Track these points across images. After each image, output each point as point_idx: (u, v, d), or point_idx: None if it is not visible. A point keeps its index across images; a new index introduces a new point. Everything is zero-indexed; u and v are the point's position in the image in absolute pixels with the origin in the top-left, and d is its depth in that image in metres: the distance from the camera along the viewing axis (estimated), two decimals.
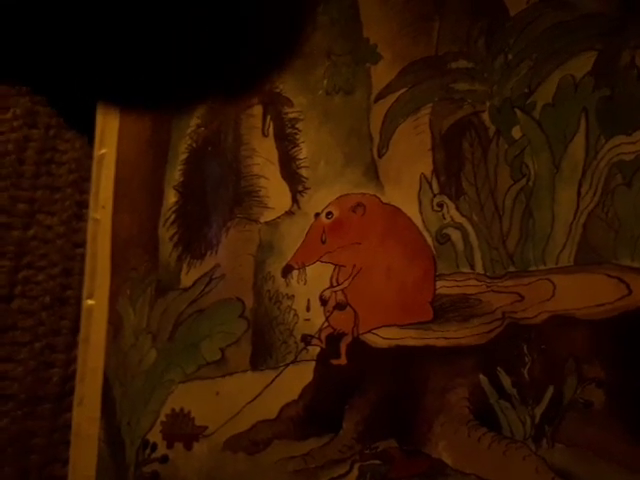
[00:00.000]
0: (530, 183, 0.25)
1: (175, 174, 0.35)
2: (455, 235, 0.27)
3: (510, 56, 0.27)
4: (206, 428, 0.30)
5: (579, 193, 0.24)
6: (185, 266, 0.33)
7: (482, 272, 0.25)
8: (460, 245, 0.26)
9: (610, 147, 0.24)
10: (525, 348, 0.24)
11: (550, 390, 0.23)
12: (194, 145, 0.34)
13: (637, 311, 0.22)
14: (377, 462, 0.26)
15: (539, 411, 0.23)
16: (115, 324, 0.36)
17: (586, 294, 0.23)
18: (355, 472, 0.26)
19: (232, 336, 0.31)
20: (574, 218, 0.24)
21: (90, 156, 0.41)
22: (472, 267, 0.26)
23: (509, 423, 0.24)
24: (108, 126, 0.40)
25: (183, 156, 0.35)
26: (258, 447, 0.28)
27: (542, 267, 0.24)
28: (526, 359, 0.24)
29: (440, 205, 0.27)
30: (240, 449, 0.29)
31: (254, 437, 0.29)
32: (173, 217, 0.35)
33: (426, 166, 0.28)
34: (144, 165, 0.37)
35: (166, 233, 0.34)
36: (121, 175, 0.38)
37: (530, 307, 0.24)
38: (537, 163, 0.25)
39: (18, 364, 0.38)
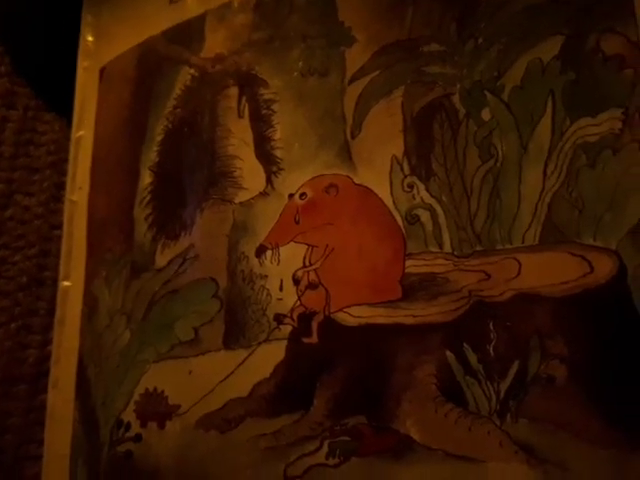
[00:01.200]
0: (498, 164, 0.25)
1: (151, 155, 0.34)
2: (424, 215, 0.26)
3: (480, 40, 0.27)
4: (179, 407, 0.30)
5: (545, 174, 0.24)
6: (160, 246, 0.33)
7: (450, 251, 0.25)
8: (429, 225, 0.26)
9: (575, 129, 0.24)
10: (491, 325, 0.24)
11: (515, 366, 0.23)
12: (170, 126, 0.34)
13: (598, 288, 0.22)
14: (346, 438, 0.25)
15: (504, 387, 0.23)
16: (90, 305, 0.35)
17: (550, 272, 0.23)
18: (325, 449, 0.26)
19: (206, 316, 0.30)
20: (540, 198, 0.24)
21: (69, 138, 0.41)
22: (440, 247, 0.26)
23: (475, 399, 0.24)
24: (86, 108, 0.39)
25: (159, 137, 0.34)
26: (230, 425, 0.28)
27: (508, 246, 0.24)
28: (492, 336, 0.24)
29: (410, 186, 0.27)
30: (212, 427, 0.28)
31: (226, 415, 0.28)
32: (148, 198, 0.34)
33: (397, 148, 0.27)
34: (121, 146, 0.36)
35: (141, 214, 0.34)
36: (98, 156, 0.37)
37: (496, 285, 0.24)
38: (505, 144, 0.25)
39: None
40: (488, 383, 0.23)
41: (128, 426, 0.32)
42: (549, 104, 0.25)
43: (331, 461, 0.26)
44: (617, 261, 0.22)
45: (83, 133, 0.39)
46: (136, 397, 0.31)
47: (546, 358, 0.23)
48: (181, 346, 0.31)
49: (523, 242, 0.24)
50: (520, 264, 0.24)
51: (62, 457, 0.33)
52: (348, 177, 0.28)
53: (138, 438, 0.31)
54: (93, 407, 0.33)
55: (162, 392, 0.31)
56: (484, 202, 0.25)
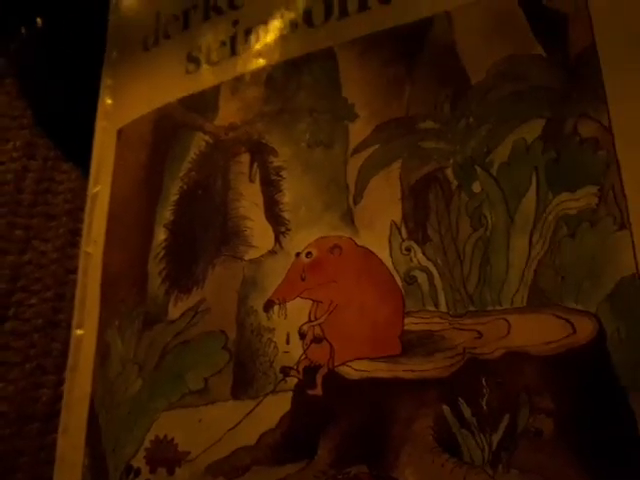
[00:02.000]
0: (488, 232, 0.28)
1: (166, 214, 0.36)
2: (421, 277, 0.28)
3: (471, 119, 0.29)
4: (188, 453, 0.31)
5: (530, 242, 0.27)
6: (172, 299, 0.34)
7: (445, 311, 0.27)
8: (426, 286, 0.28)
9: (557, 203, 0.27)
10: (483, 381, 0.25)
11: (505, 419, 0.25)
12: (185, 187, 0.36)
13: (580, 348, 0.24)
14: None
15: (496, 439, 0.25)
16: (103, 353, 0.36)
17: (537, 332, 0.25)
18: None
19: (215, 366, 0.32)
20: (526, 264, 0.26)
21: (84, 187, 0.42)
22: (436, 306, 0.28)
23: (469, 450, 0.25)
24: (103, 165, 0.41)
25: (174, 197, 0.36)
26: (238, 472, 0.29)
27: (498, 307, 0.26)
28: (484, 391, 0.25)
29: (408, 249, 0.29)
30: (220, 474, 0.29)
31: (234, 463, 0.30)
32: (162, 253, 0.36)
33: (396, 214, 0.30)
34: (136, 204, 0.38)
35: (155, 268, 0.36)
36: (113, 212, 0.39)
37: (488, 343, 0.26)
38: (494, 215, 0.28)
39: (9, 383, 0.39)
40: (481, 435, 0.25)
41: (138, 472, 0.32)
42: (533, 179, 0.27)
43: None
44: (596, 324, 0.24)
45: (100, 189, 0.40)
46: (146, 444, 0.32)
47: (534, 412, 0.24)
48: (191, 395, 0.32)
49: (512, 304, 0.26)
50: (509, 324, 0.26)
51: None
52: (351, 239, 0.30)
53: None
54: (103, 453, 0.34)
55: (172, 439, 0.32)
56: (476, 266, 0.27)
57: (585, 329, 0.25)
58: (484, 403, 0.25)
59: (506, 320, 0.26)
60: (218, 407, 0.31)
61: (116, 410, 0.34)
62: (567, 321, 0.25)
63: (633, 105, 0.26)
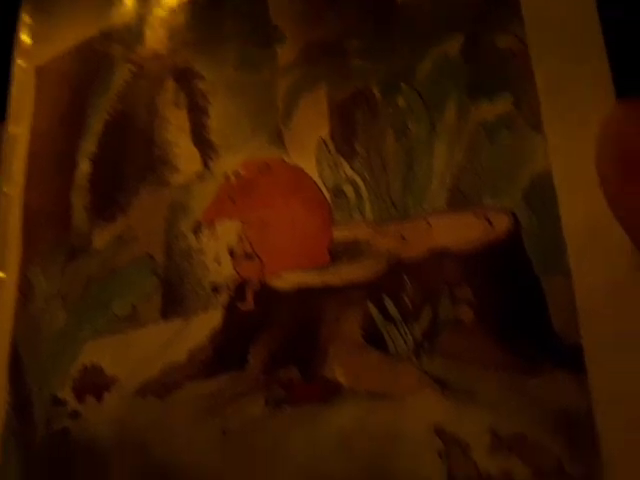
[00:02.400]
0: (411, 143, 0.29)
1: (89, 146, 0.35)
2: (348, 189, 0.29)
3: (395, 37, 0.30)
4: (117, 378, 0.30)
5: (452, 148, 0.28)
6: (97, 230, 0.33)
7: (371, 219, 0.28)
8: (353, 197, 0.29)
9: (476, 111, 0.28)
10: (407, 279, 0.26)
11: (428, 312, 0.26)
12: (109, 119, 0.35)
13: (498, 242, 0.26)
14: (280, 390, 0.27)
15: (419, 330, 0.26)
16: (25, 293, 0.35)
17: (458, 231, 0.26)
18: (260, 401, 0.27)
19: (143, 291, 0.31)
20: (447, 170, 0.28)
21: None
22: (363, 215, 0.28)
23: (395, 343, 0.26)
24: (22, 105, 0.39)
25: (98, 129, 0.35)
26: (168, 390, 0.29)
27: (420, 211, 0.28)
28: (408, 288, 0.26)
29: (336, 164, 0.30)
30: (151, 394, 0.29)
31: (164, 381, 0.29)
32: (86, 185, 0.35)
33: (324, 131, 0.30)
34: (59, 140, 0.37)
35: (79, 200, 0.34)
36: (34, 151, 0.38)
37: (411, 246, 0.27)
38: (417, 126, 0.29)
39: None
40: (405, 328, 0.26)
41: (64, 403, 0.31)
42: (454, 91, 0.29)
43: (266, 412, 0.27)
44: (512, 219, 0.26)
45: (18, 129, 0.39)
46: (73, 374, 0.31)
47: (455, 303, 0.25)
48: (119, 322, 0.31)
49: (433, 207, 0.27)
50: (431, 226, 0.27)
51: None
52: (280, 158, 0.31)
53: (75, 414, 0.31)
54: (28, 390, 0.33)
55: (100, 366, 0.31)
56: (400, 175, 0.28)
57: (502, 224, 0.26)
58: (408, 299, 0.26)
59: (428, 222, 0.27)
60: (147, 330, 0.30)
61: (41, 346, 0.33)
62: (485, 218, 0.26)
63: (546, 17, 0.28)
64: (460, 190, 0.27)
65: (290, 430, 0.26)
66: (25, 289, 0.35)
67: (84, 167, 0.35)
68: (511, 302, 0.25)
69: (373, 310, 0.27)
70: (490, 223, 0.26)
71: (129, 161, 0.34)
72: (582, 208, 0.25)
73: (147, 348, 0.30)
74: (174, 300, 0.30)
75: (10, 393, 0.33)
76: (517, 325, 0.25)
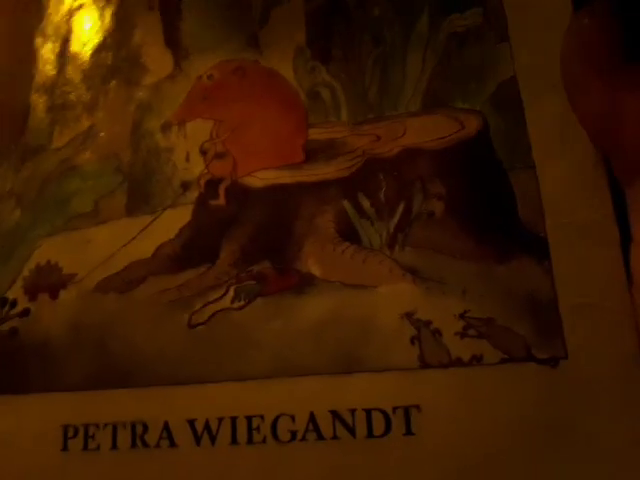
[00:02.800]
0: (387, 49, 0.29)
1: (52, 46, 0.33)
2: (325, 92, 0.29)
3: None
4: (75, 275, 0.29)
5: (424, 57, 0.28)
6: (58, 128, 0.32)
7: (346, 120, 0.28)
8: (329, 100, 0.29)
9: (448, 22, 0.29)
10: (381, 176, 0.27)
11: (401, 206, 0.26)
12: (72, 21, 0.33)
13: (468, 140, 0.26)
14: (251, 282, 0.27)
15: (392, 224, 0.26)
16: None
17: (430, 131, 0.27)
18: (231, 294, 0.27)
19: (106, 188, 0.30)
20: (421, 74, 0.28)
21: None
22: (339, 118, 0.28)
23: (368, 237, 0.26)
24: None
25: (62, 30, 0.33)
26: (131, 285, 0.28)
27: (395, 113, 0.28)
28: (382, 184, 0.27)
29: (313, 68, 0.30)
30: (111, 290, 0.28)
31: (127, 276, 0.28)
32: (47, 85, 0.33)
33: (300, 37, 0.30)
34: (14, 42, 0.34)
35: (38, 100, 0.32)
36: None
37: (385, 144, 0.27)
38: (392, 34, 0.29)
39: None
40: (379, 222, 0.26)
41: (14, 303, 0.29)
42: (427, 4, 0.29)
43: (236, 304, 0.27)
44: (482, 119, 0.27)
45: None
46: (25, 273, 0.29)
47: (427, 198, 0.26)
48: (79, 218, 0.30)
49: (407, 109, 0.28)
50: (405, 126, 0.27)
51: None
52: (256, 61, 0.30)
53: (25, 313, 0.29)
54: None
55: (56, 264, 0.29)
56: (376, 79, 0.28)
57: (472, 124, 0.27)
58: (382, 195, 0.26)
59: (402, 123, 0.28)
60: (110, 226, 0.29)
61: None
62: (456, 119, 0.27)
63: None
64: (433, 94, 0.28)
65: (262, 321, 0.26)
66: None
67: (46, 68, 0.33)
68: (480, 195, 0.26)
69: (348, 206, 0.27)
70: (461, 123, 0.27)
71: (95, 61, 0.32)
72: (545, 109, 0.26)
73: (110, 245, 0.28)
74: (140, 197, 0.29)
75: None
76: (486, 217, 0.25)
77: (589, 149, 0.25)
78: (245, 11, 0.31)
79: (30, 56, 0.34)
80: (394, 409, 0.24)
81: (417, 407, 0.23)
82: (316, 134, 0.29)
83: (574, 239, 0.24)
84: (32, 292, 0.29)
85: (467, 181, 0.26)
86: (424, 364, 0.24)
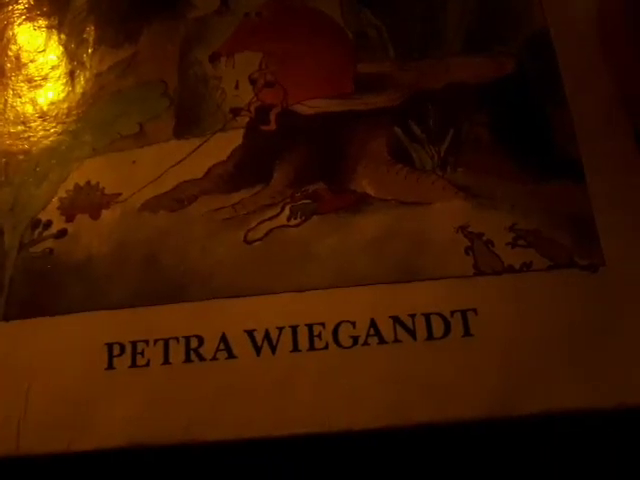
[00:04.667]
0: None
1: None
2: (372, 32, 0.30)
3: None
4: (119, 195, 0.27)
5: (463, 2, 0.30)
6: (98, 55, 0.31)
7: (393, 57, 0.30)
8: (376, 39, 0.30)
9: None
10: (429, 106, 0.28)
11: (450, 132, 0.27)
12: None
13: (507, 77, 0.28)
14: (307, 201, 0.27)
15: (443, 148, 0.27)
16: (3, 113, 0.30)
17: (472, 69, 0.29)
18: (286, 212, 0.27)
19: (152, 111, 0.29)
20: (460, 20, 0.30)
21: None
22: (385, 55, 0.30)
23: (421, 159, 0.27)
24: None
25: None
26: (182, 204, 0.27)
27: (438, 54, 0.30)
28: (430, 113, 0.28)
29: (359, 11, 0.31)
30: (161, 208, 0.27)
31: (177, 195, 0.27)
32: (84, 15, 0.32)
33: None
34: None
35: (75, 28, 0.31)
36: None
37: (431, 79, 0.29)
38: None
39: None
40: (430, 147, 0.27)
41: (48, 224, 0.28)
42: None
43: (292, 222, 0.27)
44: (518, 61, 0.29)
45: None
46: (62, 194, 0.28)
47: (474, 126, 0.27)
48: (122, 140, 0.29)
49: (449, 51, 0.29)
50: (448, 65, 0.29)
51: None
52: (302, 2, 0.31)
53: (62, 233, 0.27)
54: None
55: (97, 184, 0.28)
56: (419, 23, 0.30)
57: (509, 64, 0.29)
58: (431, 122, 0.28)
59: (445, 62, 0.29)
60: (157, 148, 0.28)
61: (14, 169, 0.29)
62: (494, 61, 0.29)
63: None
64: (472, 38, 0.30)
65: (319, 237, 0.26)
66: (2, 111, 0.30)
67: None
68: (521, 125, 0.28)
69: (399, 132, 0.28)
70: (499, 64, 0.29)
71: None
72: (576, 54, 0.29)
73: (157, 165, 0.28)
74: (188, 121, 0.29)
75: None
76: (528, 143, 0.27)
77: (618, 88, 0.28)
78: None
79: None
80: (452, 313, 0.24)
81: (474, 310, 0.24)
82: (364, 68, 0.30)
83: (606, 164, 0.27)
84: (70, 213, 0.27)
85: (508, 112, 0.28)
86: (478, 271, 0.25)
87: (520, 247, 0.25)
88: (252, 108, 0.29)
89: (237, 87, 0.29)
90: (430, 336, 0.24)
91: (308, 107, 0.29)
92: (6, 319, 0.26)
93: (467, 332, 0.24)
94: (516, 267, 0.25)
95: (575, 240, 0.25)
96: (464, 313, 0.24)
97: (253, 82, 0.30)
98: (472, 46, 0.30)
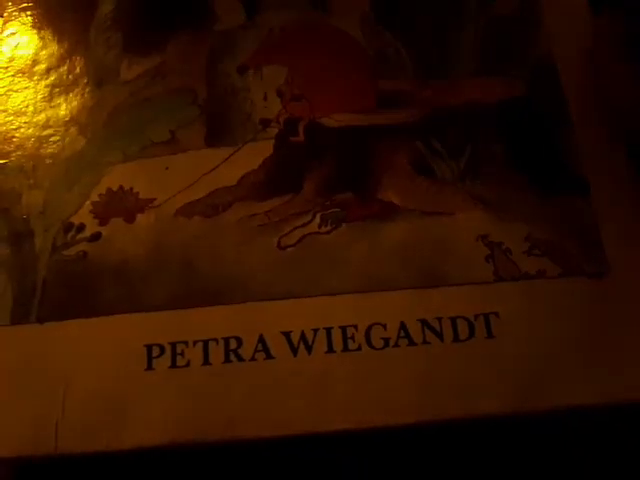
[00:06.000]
0: (445, 17, 0.32)
1: None
2: (391, 52, 0.32)
3: None
4: (154, 200, 0.28)
5: (475, 30, 0.32)
6: (126, 62, 0.31)
7: (412, 76, 0.31)
8: (395, 59, 0.31)
9: (491, 8, 0.33)
10: (448, 122, 0.30)
11: (468, 148, 0.29)
12: None
13: (518, 99, 0.30)
14: (336, 209, 0.28)
15: (462, 161, 0.29)
16: (22, 115, 0.30)
17: (487, 89, 0.30)
18: (317, 220, 0.28)
19: (183, 119, 0.29)
20: (474, 44, 0.32)
21: None
22: (406, 72, 0.31)
23: (441, 172, 0.29)
24: None
25: None
26: (217, 210, 0.28)
27: (455, 75, 0.31)
28: (451, 129, 0.29)
29: (378, 32, 0.32)
30: (195, 214, 0.27)
31: (212, 202, 0.28)
32: (109, 23, 0.32)
33: (366, 5, 0.33)
34: None
35: (101, 36, 0.32)
36: None
37: (450, 97, 0.30)
38: (449, 8, 0.33)
39: None
40: (450, 160, 0.29)
41: (81, 228, 0.28)
42: None
43: (323, 229, 0.28)
44: (527, 83, 0.31)
45: None
46: (94, 198, 0.28)
47: (489, 141, 0.29)
48: (154, 147, 0.29)
49: (464, 72, 0.31)
50: (464, 84, 0.31)
51: None
52: (325, 20, 0.32)
53: (96, 237, 0.27)
54: (25, 218, 0.28)
55: (131, 189, 0.28)
56: (436, 44, 0.31)
57: (519, 87, 0.30)
58: (450, 138, 0.29)
59: (461, 82, 0.31)
60: (190, 155, 0.29)
61: (45, 172, 0.29)
62: (506, 82, 0.31)
63: None
64: (485, 59, 0.31)
65: (349, 243, 0.27)
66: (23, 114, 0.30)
67: (106, 5, 0.32)
68: (531, 143, 0.29)
69: (421, 146, 0.29)
70: (511, 86, 0.31)
71: (161, 5, 0.32)
72: (579, 76, 0.31)
73: (190, 172, 0.28)
74: (220, 130, 0.29)
75: (3, 226, 0.28)
76: (537, 160, 0.29)
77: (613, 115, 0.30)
78: None
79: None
80: (475, 316, 0.26)
81: (496, 314, 0.26)
82: (385, 85, 0.31)
83: (609, 182, 0.29)
84: (103, 216, 0.27)
85: (520, 131, 0.30)
86: (498, 278, 0.27)
87: (535, 255, 0.27)
88: (281, 120, 0.30)
89: (265, 99, 0.30)
90: (456, 338, 0.26)
91: (334, 120, 0.30)
92: (40, 321, 0.26)
93: (490, 334, 0.26)
94: (532, 274, 0.27)
95: (583, 249, 0.27)
96: (487, 316, 0.26)
97: (281, 95, 0.31)
98: (485, 67, 0.31)
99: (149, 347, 0.26)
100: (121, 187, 0.28)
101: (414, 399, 0.25)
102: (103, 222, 0.28)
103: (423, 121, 0.30)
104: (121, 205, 0.28)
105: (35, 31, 0.33)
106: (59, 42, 0.32)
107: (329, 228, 0.28)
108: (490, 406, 0.25)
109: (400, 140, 0.30)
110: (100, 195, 0.28)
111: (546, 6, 0.33)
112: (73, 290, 0.27)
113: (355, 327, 0.26)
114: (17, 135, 0.30)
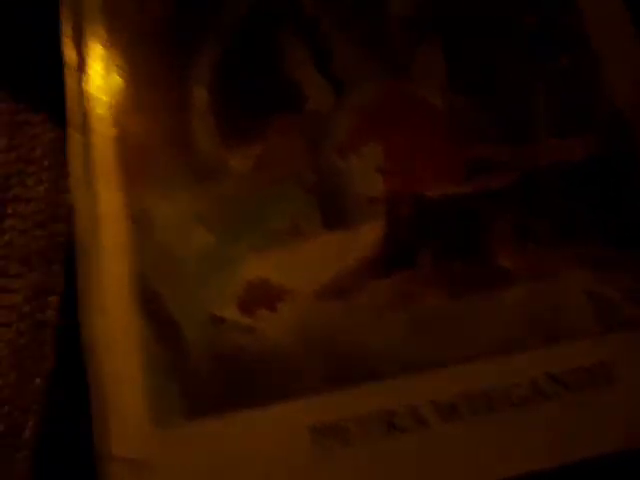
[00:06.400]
0: (517, 81, 0.35)
1: (204, 74, 0.34)
2: (472, 117, 0.34)
3: None
4: (288, 288, 0.29)
5: (549, 91, 0.35)
6: (230, 152, 0.32)
7: (494, 141, 0.33)
8: (475, 124, 0.33)
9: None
10: (541, 185, 0.32)
11: (565, 209, 0.31)
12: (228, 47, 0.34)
13: (593, 157, 0.33)
14: (456, 280, 0.30)
15: (559, 223, 0.31)
16: (143, 223, 0.31)
17: (565, 151, 0.33)
18: (441, 293, 0.30)
19: (299, 206, 0.31)
20: (543, 109, 0.34)
21: None
22: (489, 137, 0.33)
23: (541, 233, 0.31)
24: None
25: (211, 56, 0.34)
26: (346, 292, 0.30)
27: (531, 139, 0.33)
28: (544, 192, 0.32)
29: (458, 96, 0.34)
30: (331, 297, 0.29)
31: (340, 284, 0.30)
32: (207, 111, 0.33)
33: (444, 70, 0.34)
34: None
35: (201, 125, 0.33)
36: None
37: (533, 161, 0.32)
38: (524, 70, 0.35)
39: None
40: (548, 222, 0.31)
41: (229, 320, 0.29)
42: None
43: (447, 300, 0.30)
44: (600, 142, 0.34)
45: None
46: (237, 291, 0.30)
47: (580, 200, 0.32)
48: (278, 235, 0.31)
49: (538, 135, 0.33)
50: (545, 147, 0.33)
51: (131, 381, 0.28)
52: (412, 92, 0.34)
53: (249, 329, 0.29)
54: (170, 318, 0.29)
55: (267, 279, 0.30)
56: (510, 110, 0.34)
57: (593, 146, 0.33)
58: (546, 200, 0.32)
59: (541, 145, 0.33)
60: (311, 241, 0.31)
61: (177, 270, 0.30)
62: (581, 141, 0.34)
63: None
64: (559, 120, 0.34)
65: (472, 311, 0.30)
66: (141, 219, 0.31)
67: (201, 95, 0.33)
68: (611, 200, 0.32)
69: (519, 210, 0.32)
70: (586, 144, 0.34)
71: (252, 90, 0.34)
72: None
73: (315, 257, 0.30)
74: (333, 213, 0.31)
75: (149, 327, 0.29)
76: (618, 217, 0.32)
77: None
78: (389, 45, 0.35)
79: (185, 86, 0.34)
80: (592, 365, 0.29)
81: (612, 362, 0.29)
82: (469, 152, 0.33)
83: None
84: (249, 309, 0.29)
85: (599, 189, 0.32)
86: (607, 328, 0.30)
87: (635, 303, 0.31)
88: (386, 197, 0.32)
89: (368, 177, 0.32)
90: (580, 387, 0.29)
91: (436, 193, 0.32)
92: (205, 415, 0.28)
93: (609, 381, 0.29)
94: (636, 322, 0.30)
95: None
96: (603, 364, 0.30)
97: (382, 172, 0.32)
98: (559, 128, 0.34)
99: (312, 429, 0.27)
100: (259, 278, 0.30)
101: (556, 444, 0.27)
102: (250, 314, 0.29)
103: (516, 185, 0.33)
104: (261, 296, 0.30)
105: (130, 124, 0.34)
106: (163, 134, 0.33)
107: (453, 299, 0.30)
108: (620, 443, 0.28)
109: (498, 206, 0.32)
110: (242, 288, 0.30)
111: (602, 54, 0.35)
112: (232, 382, 0.28)
113: (494, 389, 0.29)
114: None
